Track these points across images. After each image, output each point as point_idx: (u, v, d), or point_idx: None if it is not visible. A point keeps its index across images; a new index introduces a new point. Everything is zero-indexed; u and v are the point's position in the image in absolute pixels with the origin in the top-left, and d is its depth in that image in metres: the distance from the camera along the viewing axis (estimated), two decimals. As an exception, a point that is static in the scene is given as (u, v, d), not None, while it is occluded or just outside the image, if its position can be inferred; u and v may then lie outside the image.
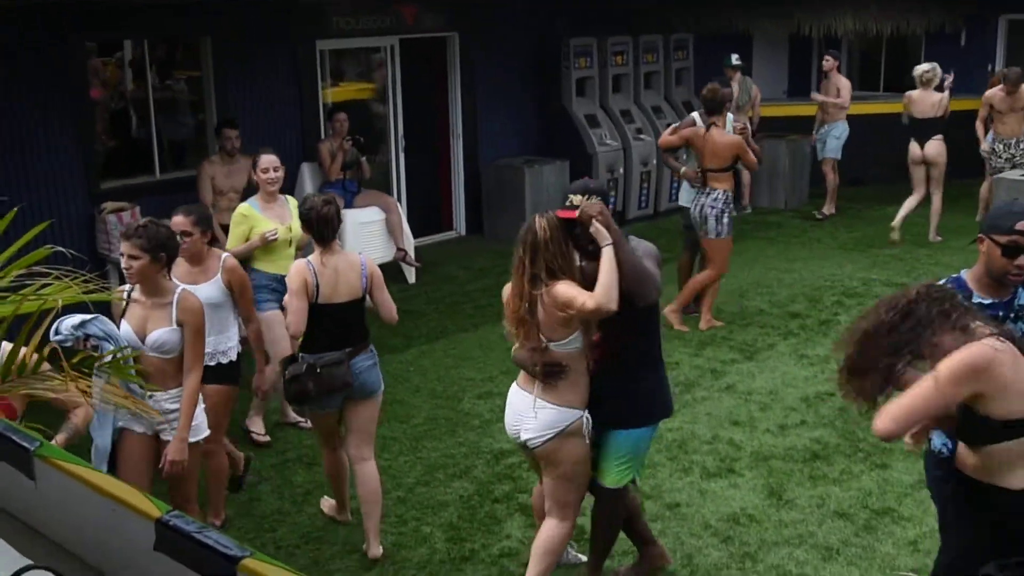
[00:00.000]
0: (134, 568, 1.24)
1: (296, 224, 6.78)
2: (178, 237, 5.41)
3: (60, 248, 3.61)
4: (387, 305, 5.71)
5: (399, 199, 11.60)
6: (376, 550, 5.66)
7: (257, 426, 7.21)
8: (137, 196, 9.63)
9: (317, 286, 5.49)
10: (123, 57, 11.30)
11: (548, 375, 4.71)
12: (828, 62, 13.11)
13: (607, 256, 4.59)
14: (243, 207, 6.99)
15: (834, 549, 5.64)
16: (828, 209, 13.29)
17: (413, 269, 10.74)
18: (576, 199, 4.70)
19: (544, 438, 4.78)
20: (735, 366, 8.32)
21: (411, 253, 10.69)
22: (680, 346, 8.73)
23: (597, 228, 4.63)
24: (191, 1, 9.37)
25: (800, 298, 9.92)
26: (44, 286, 3.33)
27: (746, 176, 13.61)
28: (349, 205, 10.35)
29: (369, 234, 10.39)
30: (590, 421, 4.82)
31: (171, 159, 10.53)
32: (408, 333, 9.20)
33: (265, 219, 6.89)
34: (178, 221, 5.69)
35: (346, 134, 10.33)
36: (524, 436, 4.85)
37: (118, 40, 10.89)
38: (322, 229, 5.58)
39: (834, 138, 13.04)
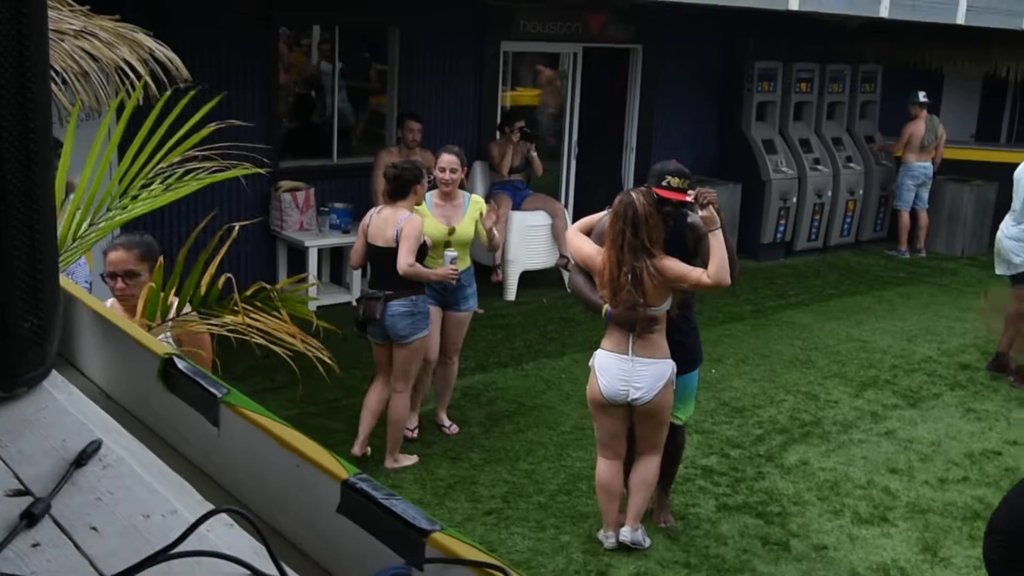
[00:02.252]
0: (313, 528, 1.20)
1: (465, 227, 6.84)
2: (115, 279, 4.14)
3: (235, 121, 3.72)
4: (401, 255, 6.18)
5: (567, 206, 11.55)
6: (388, 461, 6.59)
7: (444, 420, 7.34)
8: (313, 178, 9.84)
9: (368, 227, 6.40)
10: (310, 43, 11.58)
11: (645, 329, 5.28)
12: None
13: (718, 238, 5.13)
14: None
15: (991, 614, 5.33)
16: None
17: (572, 277, 10.66)
18: (675, 181, 5.18)
19: (656, 391, 5.34)
20: (896, 412, 7.99)
21: (572, 261, 10.60)
22: (840, 384, 8.45)
23: (712, 213, 5.10)
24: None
25: (971, 349, 9.48)
26: (190, 172, 3.34)
27: (923, 219, 13.16)
28: (517, 207, 10.35)
29: (534, 237, 10.37)
30: (675, 369, 5.43)
31: (348, 144, 10.71)
32: (564, 340, 9.16)
33: (431, 216, 6.77)
34: (117, 258, 4.19)
35: (518, 138, 10.28)
36: (634, 395, 5.37)
37: (308, 25, 11.15)
38: (395, 188, 6.33)
39: None
